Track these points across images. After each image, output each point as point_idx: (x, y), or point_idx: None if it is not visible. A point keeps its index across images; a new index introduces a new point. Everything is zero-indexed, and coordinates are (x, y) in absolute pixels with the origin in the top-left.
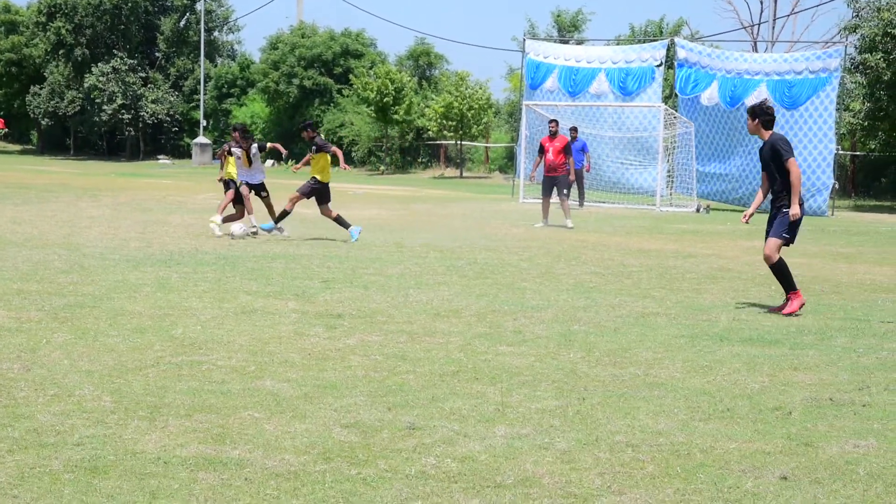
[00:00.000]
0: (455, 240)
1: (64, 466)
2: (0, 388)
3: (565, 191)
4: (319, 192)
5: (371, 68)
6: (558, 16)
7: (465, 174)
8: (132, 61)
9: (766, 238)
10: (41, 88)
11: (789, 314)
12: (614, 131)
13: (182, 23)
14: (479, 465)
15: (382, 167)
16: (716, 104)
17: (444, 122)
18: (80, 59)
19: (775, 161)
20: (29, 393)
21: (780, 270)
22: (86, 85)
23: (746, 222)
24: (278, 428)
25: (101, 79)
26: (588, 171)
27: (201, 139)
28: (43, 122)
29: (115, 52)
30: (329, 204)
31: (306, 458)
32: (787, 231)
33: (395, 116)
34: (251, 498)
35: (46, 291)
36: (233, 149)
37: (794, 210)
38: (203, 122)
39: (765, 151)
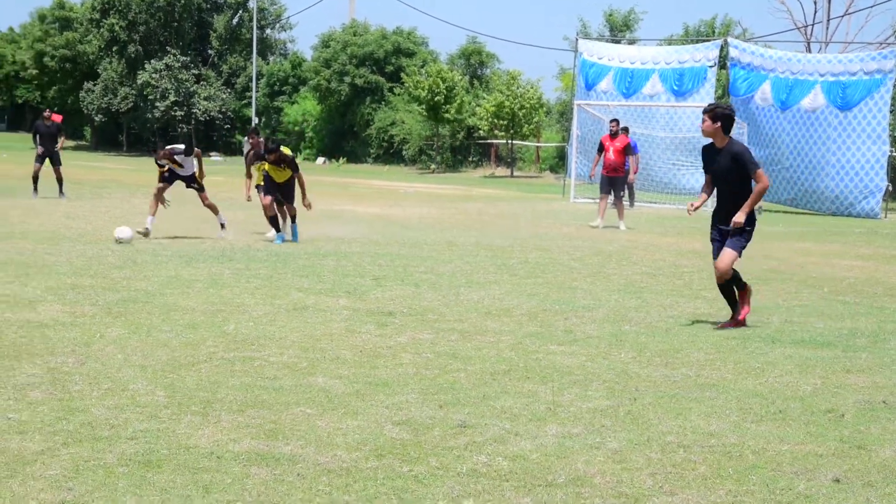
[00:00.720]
0: (506, 239)
1: (118, 460)
2: (55, 381)
3: (622, 193)
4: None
5: (423, 67)
6: (610, 15)
7: (515, 174)
8: (185, 58)
9: (721, 250)
10: (95, 85)
11: (742, 320)
12: (666, 132)
13: (235, 20)
14: (530, 464)
15: (433, 166)
16: (770, 105)
17: (496, 121)
18: (133, 55)
19: (737, 171)
20: (83, 387)
21: (729, 290)
22: (139, 82)
23: (690, 214)
24: (330, 424)
25: (154, 76)
26: (636, 172)
27: None
28: (96, 119)
29: (168, 49)
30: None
31: (358, 454)
32: (744, 245)
33: (447, 115)
34: (303, 493)
35: (100, 286)
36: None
37: (740, 218)
38: (255, 120)
39: (722, 159)
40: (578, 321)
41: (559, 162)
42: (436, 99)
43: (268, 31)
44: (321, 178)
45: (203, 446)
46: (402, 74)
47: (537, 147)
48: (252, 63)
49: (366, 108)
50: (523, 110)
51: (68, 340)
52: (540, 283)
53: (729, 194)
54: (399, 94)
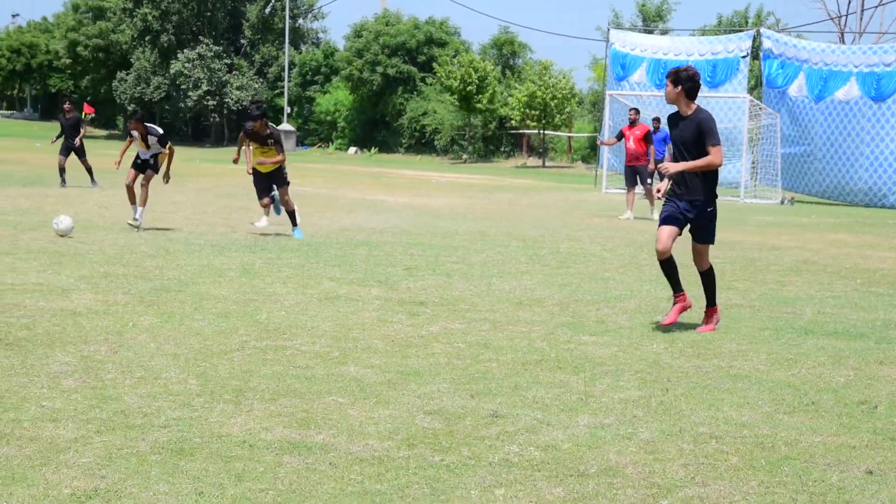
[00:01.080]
0: (537, 229)
1: (151, 448)
2: (88, 369)
3: (649, 180)
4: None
5: (455, 57)
6: (643, 5)
7: (547, 164)
8: (217, 48)
9: (673, 223)
10: (127, 74)
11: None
12: None
13: (267, 10)
14: (562, 454)
15: (465, 156)
16: (804, 97)
17: (527, 111)
18: (166, 45)
19: (697, 143)
20: (116, 375)
21: (711, 277)
22: (171, 71)
23: (660, 198)
24: (362, 413)
25: (186, 65)
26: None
27: (285, 126)
28: (129, 108)
29: (200, 38)
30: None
31: (390, 443)
32: (714, 231)
33: (479, 105)
34: (335, 482)
35: (133, 275)
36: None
37: (672, 168)
38: (287, 109)
39: (686, 128)
40: (610, 311)
41: (591, 152)
42: (468, 89)
43: (300, 20)
44: (353, 168)
45: (235, 435)
46: (434, 64)
47: (569, 137)
48: (284, 52)
49: (398, 98)
50: (555, 100)
51: (101, 329)
52: (572, 273)
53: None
54: (431, 84)
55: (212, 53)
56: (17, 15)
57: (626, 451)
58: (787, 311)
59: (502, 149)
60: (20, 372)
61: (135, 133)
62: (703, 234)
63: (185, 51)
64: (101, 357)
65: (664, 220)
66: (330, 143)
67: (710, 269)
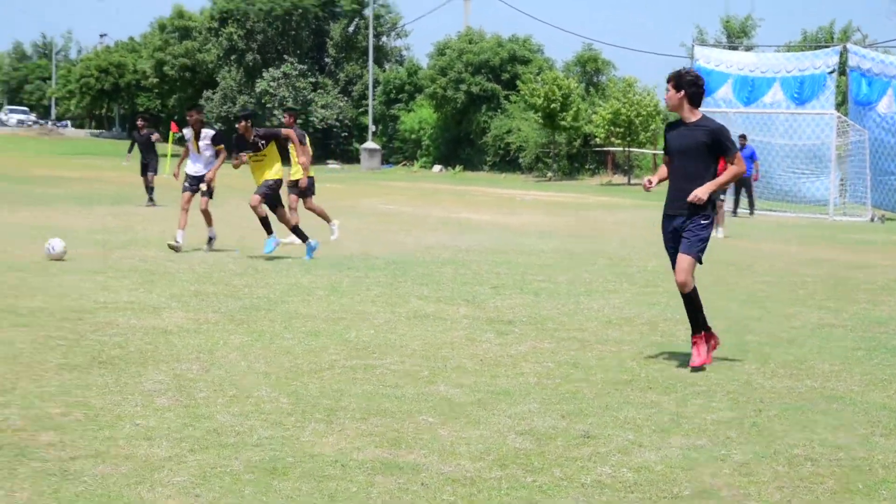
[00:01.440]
0: (624, 247)
1: (244, 467)
2: (181, 388)
3: (722, 197)
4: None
5: (538, 74)
6: (727, 21)
7: (632, 181)
8: (302, 66)
9: (677, 255)
10: (214, 93)
11: (699, 367)
12: (785, 139)
13: (351, 28)
14: (655, 476)
15: (549, 173)
16: (894, 113)
17: (612, 128)
18: (251, 64)
19: (708, 151)
20: (209, 394)
21: (694, 301)
22: (257, 90)
23: (648, 190)
24: (453, 433)
25: (271, 84)
26: (756, 179)
27: (370, 144)
28: (216, 127)
29: (285, 57)
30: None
31: (482, 464)
32: (703, 247)
33: (563, 123)
34: (428, 503)
35: (222, 293)
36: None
37: (703, 193)
38: (372, 128)
39: (690, 136)
40: None
41: None
42: (552, 106)
43: (384, 38)
44: (438, 186)
45: (328, 454)
46: (518, 82)
47: (654, 154)
48: (368, 71)
49: (482, 116)
50: (640, 117)
51: (193, 347)
52: (660, 291)
53: (692, 177)
54: (515, 102)
55: (296, 72)
56: (105, 35)
57: (720, 473)
58: (880, 330)
59: (587, 166)
60: (114, 390)
61: (188, 133)
62: (687, 243)
63: (270, 69)
64: (193, 375)
65: (674, 258)
66: (414, 162)
67: (694, 290)
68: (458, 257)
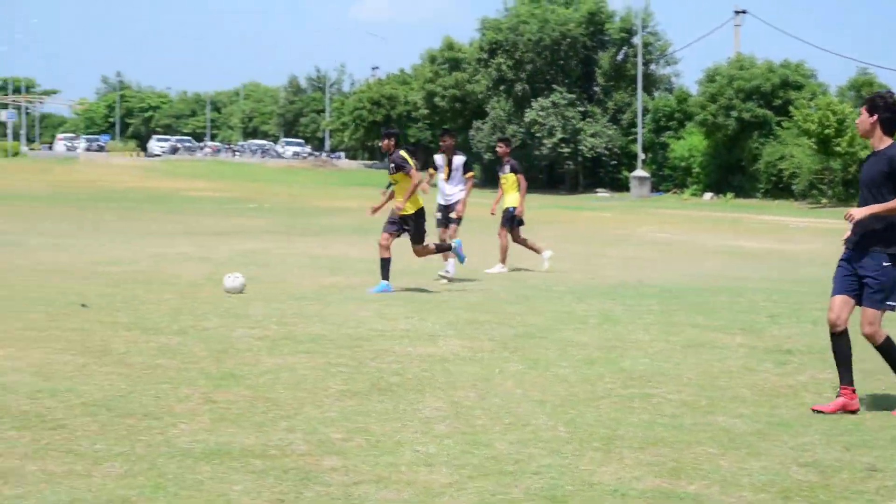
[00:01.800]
0: None
1: (524, 494)
2: (458, 415)
3: None
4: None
5: (811, 100)
6: None
7: None
8: (571, 95)
9: (862, 305)
10: (483, 123)
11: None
12: None
13: (620, 56)
14: None
15: (824, 200)
16: None
17: None
18: (520, 94)
19: (889, 180)
20: (486, 421)
21: (889, 350)
22: (526, 119)
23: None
24: (734, 464)
25: (540, 113)
26: None
27: (639, 172)
28: (485, 157)
29: (553, 87)
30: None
31: (765, 496)
32: (887, 295)
33: (837, 149)
34: None
35: (496, 321)
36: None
37: (858, 214)
38: (641, 155)
39: (874, 165)
40: None
41: None
42: (826, 132)
43: (652, 66)
44: (709, 214)
45: (607, 483)
46: (791, 108)
47: None
48: (637, 99)
49: (753, 143)
50: None
51: (469, 375)
52: None
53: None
54: (788, 128)
55: (565, 101)
56: (377, 68)
57: None
58: None
59: None
60: (394, 416)
61: (440, 160)
62: (870, 291)
63: (538, 99)
64: (469, 403)
65: (836, 288)
66: (684, 189)
67: (887, 339)
68: (732, 285)
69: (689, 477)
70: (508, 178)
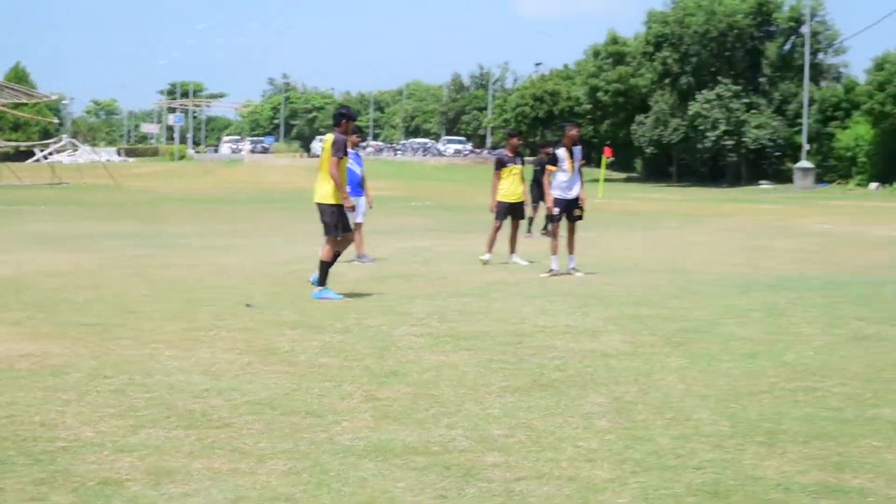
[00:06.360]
0: None
1: (686, 489)
2: (620, 410)
3: None
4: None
5: None
6: None
7: None
8: (736, 87)
9: None
10: (646, 117)
11: None
12: None
13: (787, 46)
14: None
15: None
16: None
17: None
18: (684, 87)
19: None
20: (647, 416)
21: None
22: (689, 112)
23: None
24: None
25: (704, 106)
26: None
27: (804, 163)
28: (647, 151)
29: (719, 79)
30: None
31: None
32: None
33: None
34: None
35: (658, 316)
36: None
37: None
38: (806, 147)
39: None
40: None
41: None
42: None
43: (820, 55)
44: (875, 204)
45: (770, 477)
46: None
47: None
48: (804, 89)
49: None
50: None
51: (630, 370)
52: None
53: None
54: None
55: (730, 93)
56: (540, 64)
57: None
58: None
59: None
60: (555, 412)
61: (561, 153)
62: None
63: (703, 91)
64: (631, 398)
65: None
66: (849, 180)
67: None
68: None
69: (854, 471)
70: (516, 169)
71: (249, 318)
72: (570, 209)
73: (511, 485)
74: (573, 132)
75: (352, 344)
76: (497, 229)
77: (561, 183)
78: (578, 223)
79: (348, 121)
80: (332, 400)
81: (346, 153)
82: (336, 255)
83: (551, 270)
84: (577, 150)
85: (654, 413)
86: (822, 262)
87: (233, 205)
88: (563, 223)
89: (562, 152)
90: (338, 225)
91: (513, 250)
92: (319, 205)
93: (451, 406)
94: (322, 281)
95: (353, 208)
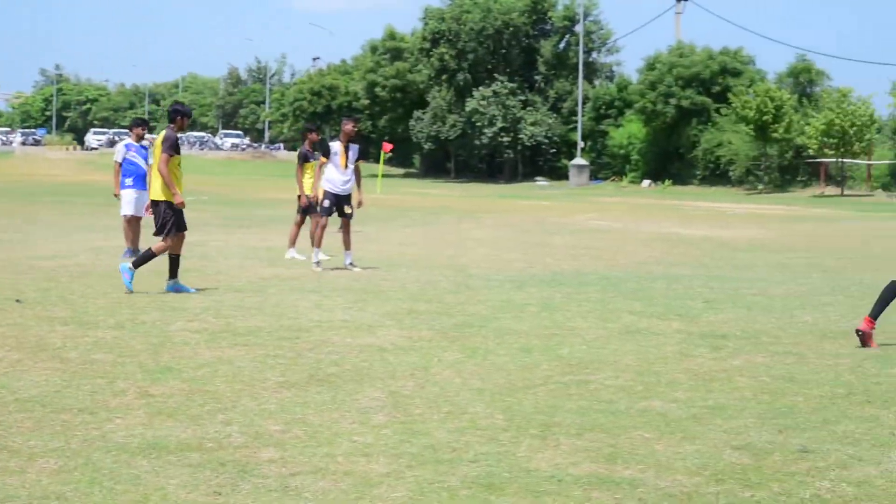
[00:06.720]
0: (839, 259)
1: (461, 482)
2: (396, 404)
3: None
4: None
5: (750, 86)
6: None
7: (846, 192)
8: (512, 84)
9: None
10: (424, 113)
11: None
12: None
13: (561, 45)
14: (875, 490)
15: (761, 186)
16: None
17: (825, 139)
18: (461, 83)
19: None
20: (424, 410)
21: None
22: (467, 109)
23: None
24: (669, 448)
25: (481, 103)
26: None
27: (579, 160)
28: (425, 146)
29: (495, 76)
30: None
31: (699, 479)
32: None
33: (775, 135)
34: None
35: (435, 311)
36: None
37: None
38: (581, 144)
39: None
40: None
41: (892, 180)
42: (764, 119)
43: (594, 54)
44: (647, 201)
45: (543, 469)
46: (729, 94)
47: (868, 165)
48: (578, 87)
49: (692, 130)
50: (854, 128)
51: (407, 364)
52: None
53: None
54: (726, 115)
55: (506, 90)
56: (318, 58)
57: None
58: None
59: (799, 178)
60: (332, 407)
61: (336, 146)
62: None
63: (480, 88)
64: (408, 392)
65: None
66: (623, 177)
67: None
68: (669, 272)
69: (626, 462)
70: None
71: (19, 313)
72: (341, 205)
73: (287, 480)
74: (349, 127)
75: (125, 340)
76: (323, 226)
77: (333, 176)
78: (354, 217)
79: (183, 117)
80: (104, 397)
81: (177, 150)
82: (165, 250)
83: (318, 263)
84: (355, 147)
85: (431, 407)
86: (597, 257)
87: (2, 197)
88: (338, 220)
89: (336, 145)
90: (166, 224)
91: (292, 245)
92: (152, 202)
93: (227, 402)
94: (138, 264)
95: (183, 205)
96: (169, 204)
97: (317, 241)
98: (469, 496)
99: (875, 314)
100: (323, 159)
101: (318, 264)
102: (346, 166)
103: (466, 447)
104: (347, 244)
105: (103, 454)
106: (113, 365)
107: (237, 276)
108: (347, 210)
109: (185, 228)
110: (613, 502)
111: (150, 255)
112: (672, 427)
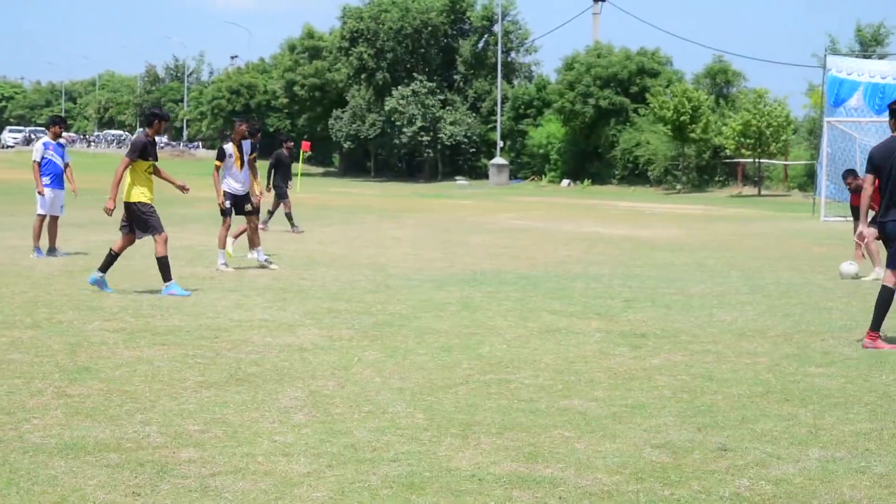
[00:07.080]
0: (757, 259)
1: (382, 482)
2: (317, 404)
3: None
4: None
5: (667, 87)
6: (860, 30)
7: (762, 192)
8: (431, 84)
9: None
10: (343, 112)
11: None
12: None
13: (480, 45)
14: (794, 488)
15: (679, 186)
16: None
17: (742, 140)
18: (380, 82)
19: None
20: (344, 410)
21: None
22: (386, 108)
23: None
24: (589, 447)
25: (401, 102)
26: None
27: (498, 160)
28: (345, 145)
29: (414, 75)
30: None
31: (619, 477)
32: None
33: (692, 135)
34: None
35: (355, 310)
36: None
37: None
38: (500, 143)
39: None
40: (836, 342)
41: (808, 180)
42: (681, 119)
43: (512, 54)
44: (566, 201)
45: (464, 469)
46: (647, 95)
47: (785, 165)
48: (497, 87)
49: (610, 130)
50: (770, 128)
51: (328, 364)
52: (794, 303)
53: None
54: (644, 115)
55: (426, 90)
56: (236, 57)
57: (860, 485)
58: None
59: (717, 178)
60: (252, 407)
61: (229, 148)
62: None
63: (399, 88)
64: (328, 392)
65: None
66: (542, 176)
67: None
68: (589, 271)
69: (546, 461)
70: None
71: None
72: (241, 203)
73: (206, 480)
74: (242, 127)
75: (42, 340)
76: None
77: (230, 178)
78: (263, 216)
79: (160, 121)
80: (21, 397)
81: (144, 155)
82: (166, 246)
83: (224, 264)
84: (247, 143)
85: (351, 406)
86: (517, 256)
87: None
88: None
89: (229, 147)
90: (149, 222)
91: (222, 246)
92: (125, 204)
93: (146, 402)
94: (166, 276)
95: (110, 211)
96: (143, 204)
97: (221, 243)
98: (390, 495)
99: (875, 326)
100: (218, 163)
101: (226, 265)
102: (242, 167)
103: (387, 446)
104: (255, 242)
105: (20, 455)
106: (30, 365)
107: (156, 275)
108: (248, 207)
109: (153, 231)
110: (534, 501)
111: (163, 262)
112: (592, 426)
